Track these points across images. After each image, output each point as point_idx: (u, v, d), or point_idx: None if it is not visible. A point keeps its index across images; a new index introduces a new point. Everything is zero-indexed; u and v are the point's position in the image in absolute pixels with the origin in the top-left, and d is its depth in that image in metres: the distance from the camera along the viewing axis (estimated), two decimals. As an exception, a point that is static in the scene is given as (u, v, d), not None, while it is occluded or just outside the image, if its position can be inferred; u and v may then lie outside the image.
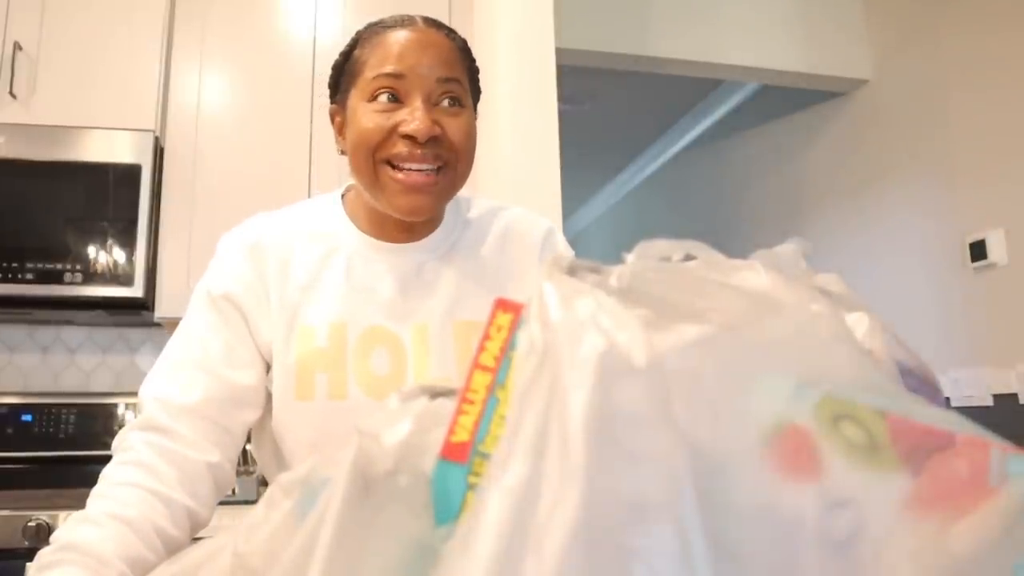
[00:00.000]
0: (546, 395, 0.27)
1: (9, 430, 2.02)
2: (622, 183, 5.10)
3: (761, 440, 0.28)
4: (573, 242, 0.95)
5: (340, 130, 0.83)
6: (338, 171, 1.87)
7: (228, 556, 0.42)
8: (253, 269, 0.81)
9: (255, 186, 2.03)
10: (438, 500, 0.33)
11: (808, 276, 0.40)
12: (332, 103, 0.85)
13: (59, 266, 1.88)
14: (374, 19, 0.83)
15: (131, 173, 1.94)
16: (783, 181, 3.49)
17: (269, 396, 0.81)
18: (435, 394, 0.40)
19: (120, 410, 2.09)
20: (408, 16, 0.81)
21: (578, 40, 2.61)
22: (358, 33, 0.82)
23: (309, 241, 0.83)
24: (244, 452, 1.70)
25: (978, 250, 2.47)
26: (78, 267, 1.88)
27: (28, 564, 1.25)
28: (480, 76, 0.86)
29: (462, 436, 0.33)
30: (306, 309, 0.80)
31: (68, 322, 2.20)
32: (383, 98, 0.76)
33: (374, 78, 0.77)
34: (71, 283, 1.87)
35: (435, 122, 0.76)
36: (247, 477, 1.90)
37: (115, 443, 0.74)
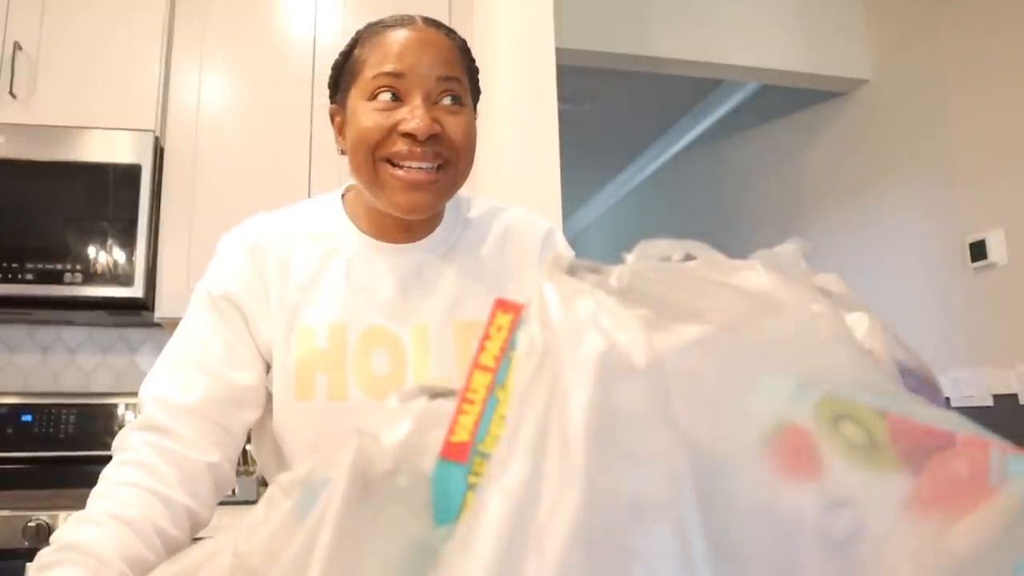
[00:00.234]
0: (546, 395, 0.27)
1: (9, 430, 2.02)
2: (622, 183, 5.10)
3: (761, 440, 0.28)
4: (573, 242, 0.95)
5: (340, 130, 0.83)
6: (338, 171, 1.87)
7: (228, 556, 0.42)
8: (253, 269, 0.81)
9: (255, 186, 2.03)
10: (438, 500, 0.33)
11: (808, 276, 0.40)
12: (332, 103, 0.85)
13: (59, 266, 1.88)
14: (374, 19, 0.83)
15: (131, 173, 1.94)
16: (783, 181, 3.49)
17: (269, 396, 0.81)
18: (434, 394, 0.40)
19: (120, 410, 2.09)
20: (408, 16, 0.81)
21: (578, 40, 2.61)
22: (358, 33, 0.82)
23: (309, 241, 0.83)
24: (244, 452, 1.70)
25: (978, 250, 2.47)
26: (78, 267, 1.88)
27: (28, 564, 1.25)
28: (480, 76, 0.86)
29: (462, 436, 0.33)
30: (306, 309, 0.80)
31: (68, 322, 2.20)
32: (383, 97, 0.76)
33: (374, 77, 0.77)
34: (71, 283, 1.87)
35: (435, 120, 0.76)
36: (247, 477, 1.90)
37: (115, 443, 0.74)
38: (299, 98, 2.11)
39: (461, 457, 0.32)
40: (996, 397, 2.39)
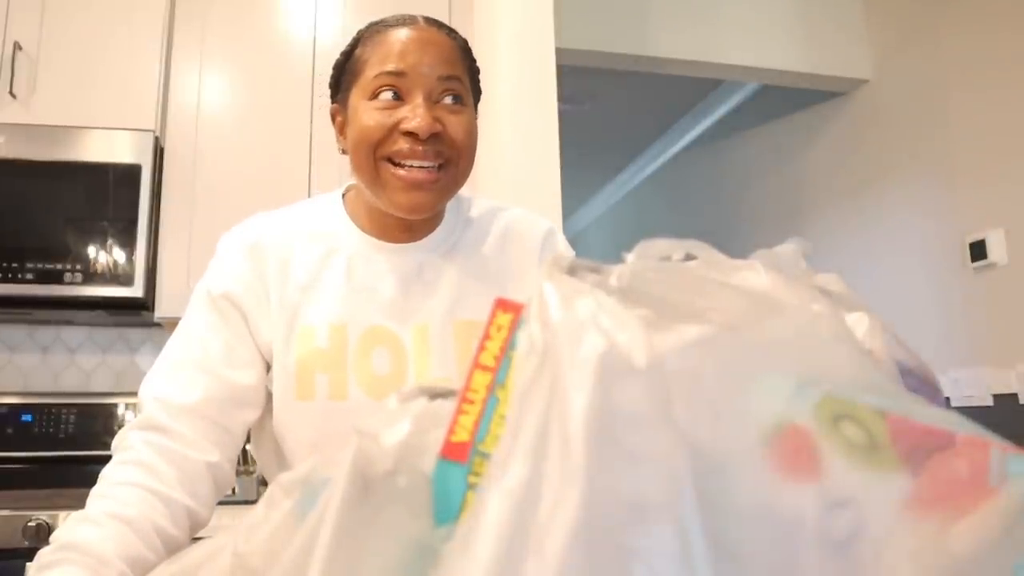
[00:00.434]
0: (546, 395, 0.27)
1: (9, 430, 2.02)
2: (622, 183, 5.10)
3: (761, 440, 0.28)
4: (573, 242, 0.95)
5: (341, 129, 0.83)
6: (338, 171, 1.87)
7: (228, 556, 0.42)
8: (253, 269, 0.81)
9: (255, 186, 2.03)
10: (438, 500, 0.33)
11: (808, 276, 0.40)
12: (333, 102, 0.85)
13: (59, 266, 1.87)
14: (374, 19, 0.83)
15: (131, 173, 1.94)
16: (783, 181, 3.49)
17: (269, 396, 0.81)
18: (434, 395, 0.40)
19: (120, 410, 2.09)
20: (409, 15, 0.81)
21: (578, 40, 2.61)
22: (359, 32, 0.83)
23: (309, 241, 0.83)
24: (244, 452, 1.70)
25: (978, 250, 2.47)
26: (78, 267, 1.88)
27: (28, 564, 1.25)
28: (480, 76, 0.86)
29: (462, 436, 0.33)
30: (306, 309, 0.80)
31: (68, 322, 2.20)
32: (385, 96, 0.76)
33: (375, 76, 0.77)
34: (71, 283, 1.87)
35: (436, 119, 0.76)
36: (247, 477, 1.90)
37: (115, 443, 0.74)
38: (299, 98, 2.11)
39: (461, 457, 0.32)
40: (996, 397, 2.39)
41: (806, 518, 0.27)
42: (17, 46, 1.95)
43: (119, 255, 1.91)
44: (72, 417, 2.05)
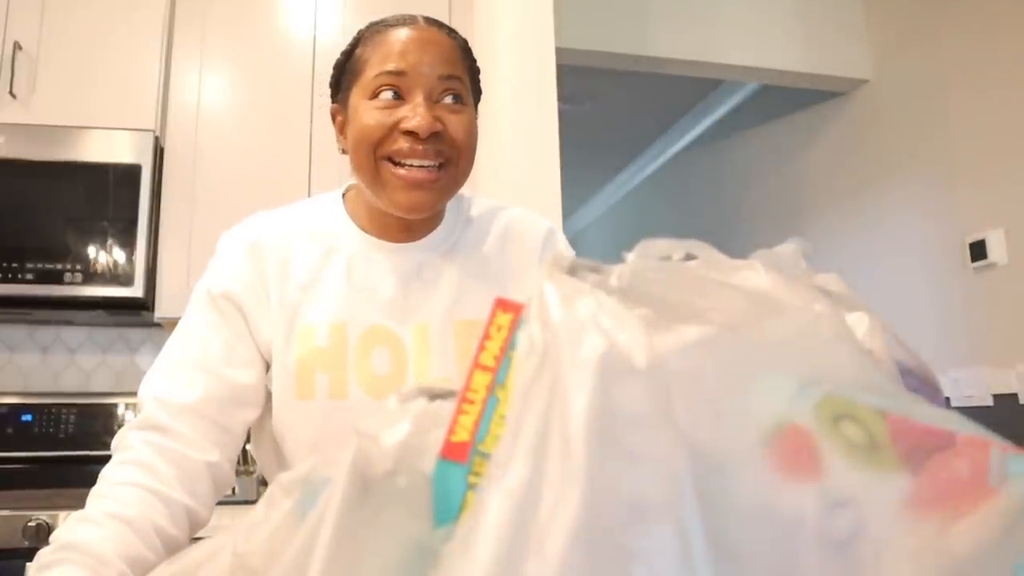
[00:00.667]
0: (547, 396, 0.27)
1: (9, 430, 2.02)
2: (622, 183, 5.10)
3: (761, 440, 0.28)
4: (573, 242, 0.95)
5: (341, 129, 0.83)
6: (338, 171, 1.87)
7: (228, 556, 0.42)
8: (253, 268, 0.81)
9: (255, 186, 2.03)
10: (438, 499, 0.33)
11: (808, 276, 0.40)
12: (333, 102, 0.85)
13: (59, 266, 1.87)
14: (374, 18, 0.83)
15: (131, 173, 1.94)
16: (783, 181, 3.49)
17: (269, 395, 0.81)
18: (434, 395, 0.40)
19: (120, 410, 2.09)
20: (410, 15, 0.81)
21: (578, 40, 2.61)
22: (360, 32, 0.83)
23: (309, 240, 0.83)
24: (244, 452, 1.70)
25: (978, 250, 2.47)
26: (78, 267, 1.88)
27: (28, 564, 1.25)
28: (480, 77, 0.86)
29: (462, 436, 0.33)
30: (306, 309, 0.80)
31: (68, 322, 2.20)
32: (385, 95, 0.76)
33: (376, 76, 0.77)
34: (71, 283, 1.87)
35: (436, 118, 0.76)
36: (247, 477, 1.90)
37: (114, 442, 0.74)
38: (299, 98, 2.11)
39: (461, 457, 0.32)
40: (996, 397, 2.39)
41: (806, 518, 0.27)
42: (17, 46, 1.95)
43: (119, 255, 1.91)
44: (72, 417, 2.05)
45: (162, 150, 2.05)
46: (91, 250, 1.90)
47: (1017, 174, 2.39)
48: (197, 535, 0.71)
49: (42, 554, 0.63)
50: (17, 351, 2.18)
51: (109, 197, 1.93)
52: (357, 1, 2.18)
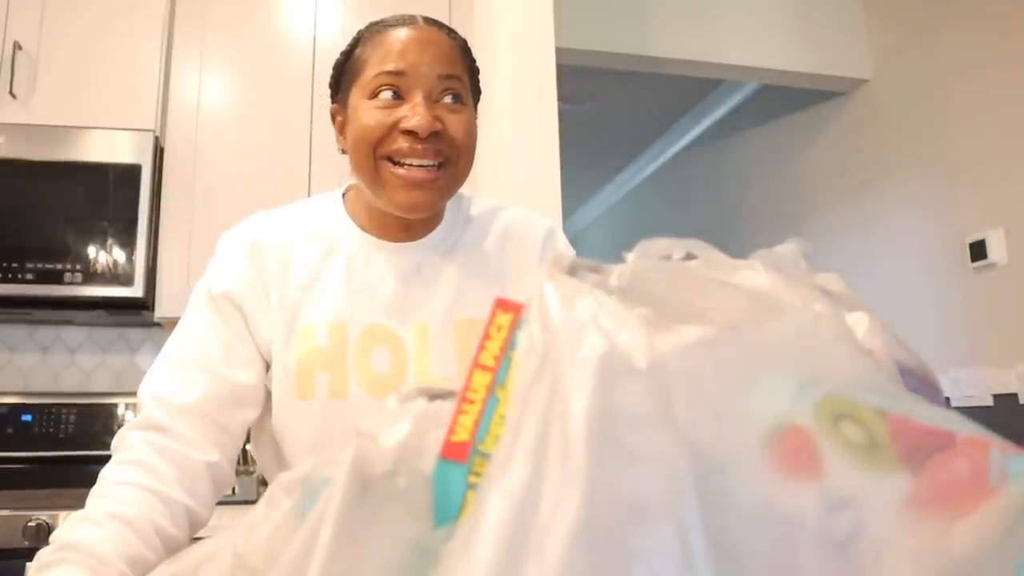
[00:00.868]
0: (547, 396, 0.27)
1: (9, 430, 2.02)
2: (622, 183, 5.10)
3: (761, 440, 0.28)
4: (573, 242, 0.95)
5: (341, 129, 0.83)
6: (338, 171, 1.87)
7: (228, 556, 0.42)
8: (253, 268, 0.81)
9: (255, 186, 2.03)
10: (438, 500, 0.33)
11: (808, 276, 0.40)
12: (333, 102, 0.85)
13: (59, 266, 1.87)
14: (374, 18, 0.83)
15: (131, 173, 1.94)
16: (783, 181, 3.49)
17: (269, 395, 0.81)
18: (433, 396, 0.40)
19: (120, 410, 2.09)
20: (409, 15, 0.81)
21: (578, 40, 2.61)
22: (359, 32, 0.83)
23: (309, 240, 0.83)
24: (244, 452, 1.70)
25: (978, 250, 2.47)
26: (78, 267, 1.88)
27: (28, 564, 1.25)
28: (480, 76, 0.86)
29: (462, 435, 0.33)
30: (306, 309, 0.80)
31: (68, 322, 2.20)
32: (384, 95, 0.76)
33: (375, 76, 0.77)
34: (71, 283, 1.87)
35: (436, 118, 0.76)
36: (247, 477, 1.89)
37: (114, 442, 0.74)
38: (299, 98, 2.11)
39: (461, 457, 0.32)
40: (996, 397, 2.39)
41: (806, 518, 0.27)
42: (17, 46, 1.95)
43: (119, 255, 1.91)
44: (72, 417, 2.05)
45: (162, 150, 2.05)
46: (91, 250, 1.90)
47: (1017, 174, 2.39)
48: (197, 535, 0.71)
49: (42, 554, 0.63)
50: (17, 351, 2.18)
51: (109, 197, 1.93)
52: (357, 1, 2.18)
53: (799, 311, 0.34)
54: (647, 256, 0.35)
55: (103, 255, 1.90)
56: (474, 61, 0.85)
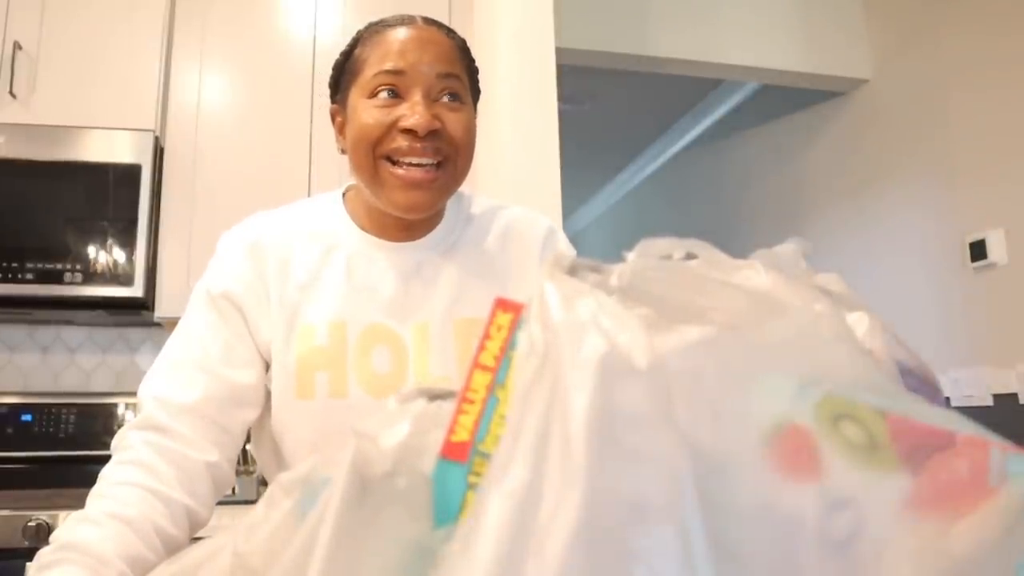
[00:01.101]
0: (547, 396, 0.27)
1: (9, 430, 2.02)
2: (622, 183, 5.10)
3: (761, 440, 0.28)
4: (573, 242, 0.95)
5: (341, 129, 0.83)
6: (338, 171, 1.87)
7: (228, 556, 0.42)
8: (253, 268, 0.81)
9: (255, 186, 2.03)
10: (438, 500, 0.33)
11: (808, 276, 0.40)
12: (333, 102, 0.85)
13: (59, 266, 1.87)
14: (374, 18, 0.83)
15: (131, 173, 1.94)
16: (783, 181, 3.49)
17: (269, 395, 0.81)
18: (433, 396, 0.40)
19: (120, 410, 2.09)
20: (408, 15, 0.81)
21: (578, 40, 2.61)
22: (359, 32, 0.83)
23: (309, 240, 0.83)
24: (244, 452, 1.70)
25: (978, 250, 2.47)
26: (78, 267, 1.88)
27: (28, 564, 1.25)
28: (480, 76, 0.86)
29: (462, 435, 0.33)
30: (306, 308, 0.80)
31: (68, 322, 2.20)
32: (383, 94, 0.77)
33: (374, 75, 0.77)
34: (71, 283, 1.87)
35: (435, 116, 0.76)
36: (247, 477, 1.90)
37: (114, 442, 0.74)
38: (299, 98, 2.11)
39: (461, 456, 0.32)
40: (996, 397, 2.39)
41: (806, 518, 0.27)
42: (17, 46, 1.95)
43: (119, 255, 1.91)
44: (72, 417, 2.05)
45: (162, 150, 2.05)
46: (91, 250, 1.90)
47: (1017, 174, 2.39)
48: (197, 535, 0.71)
49: (42, 554, 0.63)
50: (17, 351, 2.18)
51: (109, 197, 1.93)
52: (357, 1, 2.18)
53: (799, 311, 0.34)
54: (647, 256, 0.35)
55: (103, 255, 1.90)
56: (473, 61, 0.85)
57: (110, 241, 1.91)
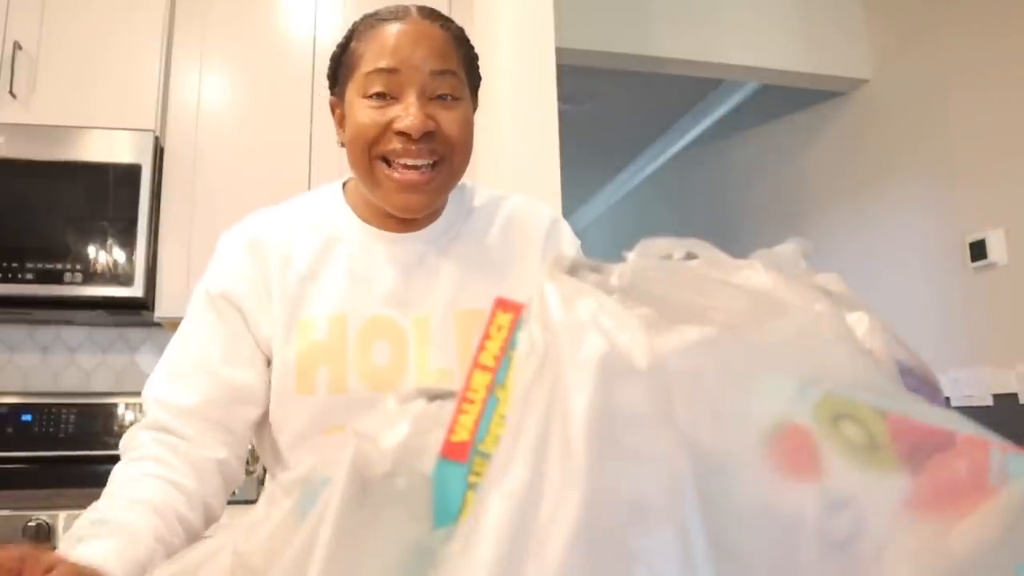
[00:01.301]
0: (547, 396, 0.27)
1: (9, 430, 2.02)
2: (622, 183, 5.10)
3: (761, 440, 0.28)
4: (573, 242, 0.95)
5: (340, 122, 0.83)
6: (338, 171, 1.86)
7: (228, 555, 0.42)
8: (253, 265, 0.81)
9: (255, 185, 2.03)
10: (438, 500, 0.33)
11: (808, 276, 0.40)
12: (331, 95, 0.85)
13: (59, 266, 1.87)
14: (373, 15, 0.83)
15: (131, 173, 1.94)
16: (783, 181, 3.49)
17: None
18: (433, 396, 0.40)
19: (120, 410, 2.09)
20: (403, 7, 0.81)
21: (578, 40, 2.61)
22: (354, 24, 0.82)
23: (309, 231, 0.83)
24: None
25: (978, 250, 2.47)
26: (78, 267, 1.88)
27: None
28: (479, 63, 0.86)
29: (462, 435, 0.33)
30: (307, 301, 0.80)
31: (68, 322, 2.20)
32: (378, 93, 0.76)
33: (368, 74, 0.77)
34: (71, 283, 1.87)
35: (429, 116, 0.76)
36: (247, 477, 1.90)
37: (123, 443, 0.74)
38: (299, 97, 2.11)
39: (461, 456, 0.32)
40: (996, 397, 2.39)
41: (806, 518, 0.27)
42: (17, 46, 1.95)
43: (119, 255, 1.91)
44: (72, 417, 2.05)
45: (162, 150, 2.05)
46: (91, 250, 1.90)
47: (1017, 174, 2.39)
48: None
49: (77, 526, 0.63)
50: (17, 351, 2.18)
51: (109, 197, 1.93)
52: (357, 1, 2.18)
53: (799, 311, 0.34)
54: (647, 256, 0.35)
55: (103, 255, 1.90)
56: (471, 48, 0.84)
57: (110, 241, 1.91)
